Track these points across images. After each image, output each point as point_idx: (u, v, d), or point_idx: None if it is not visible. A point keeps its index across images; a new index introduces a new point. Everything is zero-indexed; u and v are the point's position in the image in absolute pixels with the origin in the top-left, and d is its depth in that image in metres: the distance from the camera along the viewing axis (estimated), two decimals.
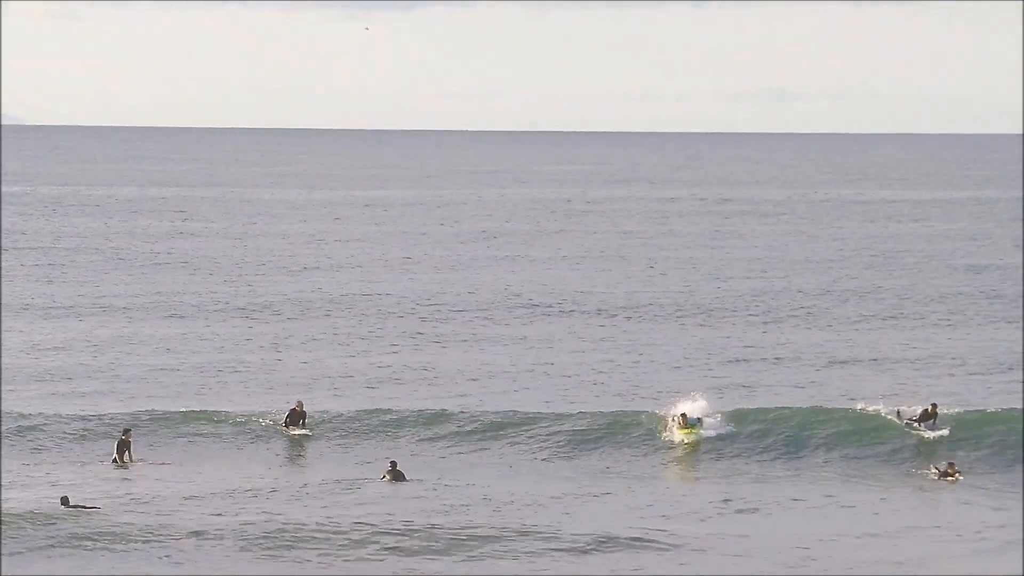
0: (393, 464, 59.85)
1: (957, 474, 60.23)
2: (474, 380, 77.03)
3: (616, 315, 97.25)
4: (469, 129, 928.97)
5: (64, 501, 54.51)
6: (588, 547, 48.46)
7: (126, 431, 62.75)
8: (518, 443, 64.94)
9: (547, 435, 65.36)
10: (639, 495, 57.34)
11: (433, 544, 48.44)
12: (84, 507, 54.73)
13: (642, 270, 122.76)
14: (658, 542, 49.14)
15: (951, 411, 65.23)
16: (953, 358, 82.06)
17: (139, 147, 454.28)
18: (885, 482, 60.02)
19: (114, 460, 61.85)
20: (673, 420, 64.51)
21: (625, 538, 49.30)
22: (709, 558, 47.93)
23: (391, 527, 49.98)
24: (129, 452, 61.90)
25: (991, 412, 65.50)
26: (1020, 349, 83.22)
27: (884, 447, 63.97)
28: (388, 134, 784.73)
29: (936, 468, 61.03)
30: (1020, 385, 73.19)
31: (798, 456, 63.50)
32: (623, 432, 65.33)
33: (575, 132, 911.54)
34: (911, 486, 59.53)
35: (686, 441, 63.58)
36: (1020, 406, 65.73)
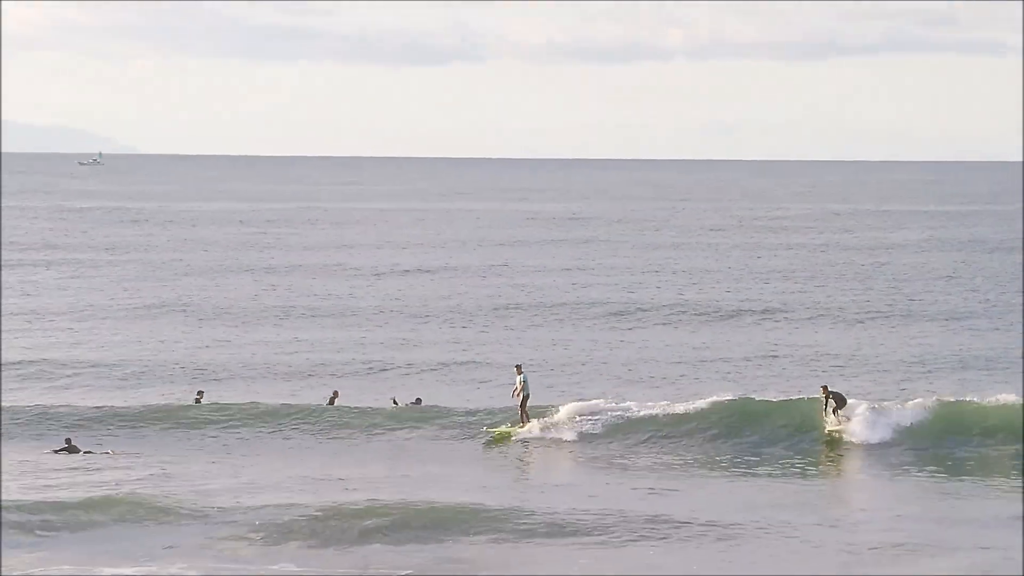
0: (418, 400, 55.05)
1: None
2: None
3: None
4: (476, 157, 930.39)
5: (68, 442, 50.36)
6: None
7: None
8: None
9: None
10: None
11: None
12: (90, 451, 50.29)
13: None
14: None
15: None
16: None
17: (244, 172, 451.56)
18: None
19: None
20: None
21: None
22: None
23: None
24: None
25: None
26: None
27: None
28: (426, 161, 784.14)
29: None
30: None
31: None
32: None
33: (562, 159, 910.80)
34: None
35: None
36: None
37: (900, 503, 44.28)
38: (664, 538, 38.76)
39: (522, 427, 52.97)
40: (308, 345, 76.00)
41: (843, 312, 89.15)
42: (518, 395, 53.25)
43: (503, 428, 53.22)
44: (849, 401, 53.50)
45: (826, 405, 52.63)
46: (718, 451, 51.75)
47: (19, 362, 69.11)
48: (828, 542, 38.46)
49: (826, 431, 52.35)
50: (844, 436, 51.92)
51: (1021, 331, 79.84)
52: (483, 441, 52.82)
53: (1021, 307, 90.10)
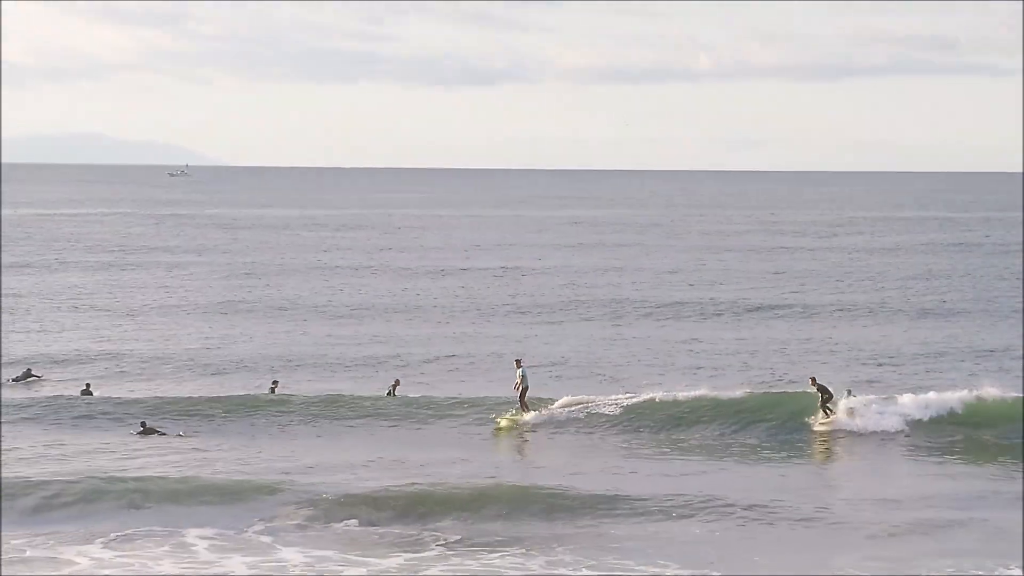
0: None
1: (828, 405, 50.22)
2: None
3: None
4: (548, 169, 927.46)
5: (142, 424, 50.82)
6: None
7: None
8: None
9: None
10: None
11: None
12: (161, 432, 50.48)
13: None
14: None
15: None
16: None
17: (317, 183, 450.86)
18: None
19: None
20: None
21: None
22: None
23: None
24: None
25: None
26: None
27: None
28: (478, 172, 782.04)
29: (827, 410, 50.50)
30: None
31: None
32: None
33: (598, 170, 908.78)
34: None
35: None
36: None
37: (921, 485, 43.23)
38: (697, 515, 38.30)
39: (522, 417, 51.73)
40: (372, 338, 75.45)
41: (857, 308, 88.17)
42: (517, 388, 52.12)
43: (505, 417, 52.02)
44: (860, 394, 52.24)
45: (826, 397, 51.10)
46: (745, 437, 50.39)
47: (114, 354, 68.90)
48: (858, 519, 37.94)
49: (813, 422, 50.74)
50: (857, 427, 50.39)
51: (1022, 327, 78.68)
52: (490, 430, 51.56)
53: (1022, 305, 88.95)
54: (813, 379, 52.22)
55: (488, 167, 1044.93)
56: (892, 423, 50.96)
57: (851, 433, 50.29)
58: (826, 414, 50.96)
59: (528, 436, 50.71)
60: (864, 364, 66.66)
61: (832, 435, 50.46)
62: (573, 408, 52.58)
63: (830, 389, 51.63)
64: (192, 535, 36.85)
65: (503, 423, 51.94)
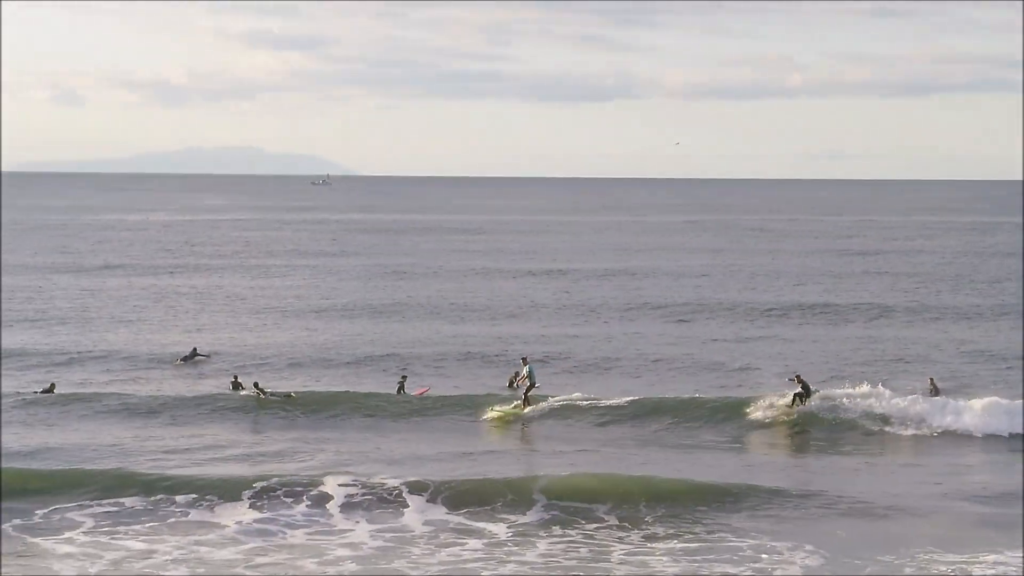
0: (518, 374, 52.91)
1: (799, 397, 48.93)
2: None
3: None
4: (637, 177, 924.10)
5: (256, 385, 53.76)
6: None
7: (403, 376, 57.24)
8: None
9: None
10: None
11: None
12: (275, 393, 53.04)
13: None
14: None
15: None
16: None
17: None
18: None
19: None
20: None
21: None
22: None
23: None
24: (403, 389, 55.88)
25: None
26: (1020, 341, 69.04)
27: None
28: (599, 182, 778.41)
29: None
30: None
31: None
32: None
33: (701, 179, 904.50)
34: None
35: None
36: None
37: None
38: (784, 508, 38.25)
39: (522, 410, 50.79)
40: (492, 334, 74.49)
41: (938, 309, 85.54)
42: (523, 382, 51.38)
43: (507, 409, 51.07)
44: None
45: (805, 393, 49.58)
46: (828, 432, 48.77)
47: (258, 348, 68.81)
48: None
49: (785, 411, 49.35)
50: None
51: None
52: (484, 420, 50.84)
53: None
54: (798, 376, 50.95)
55: (604, 176, 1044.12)
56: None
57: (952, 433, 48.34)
58: (792, 404, 49.53)
59: (596, 431, 49.63)
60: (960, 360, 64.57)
61: (909, 430, 48.38)
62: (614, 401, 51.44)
63: (811, 388, 50.20)
64: (333, 477, 40.43)
65: (497, 414, 50.83)
